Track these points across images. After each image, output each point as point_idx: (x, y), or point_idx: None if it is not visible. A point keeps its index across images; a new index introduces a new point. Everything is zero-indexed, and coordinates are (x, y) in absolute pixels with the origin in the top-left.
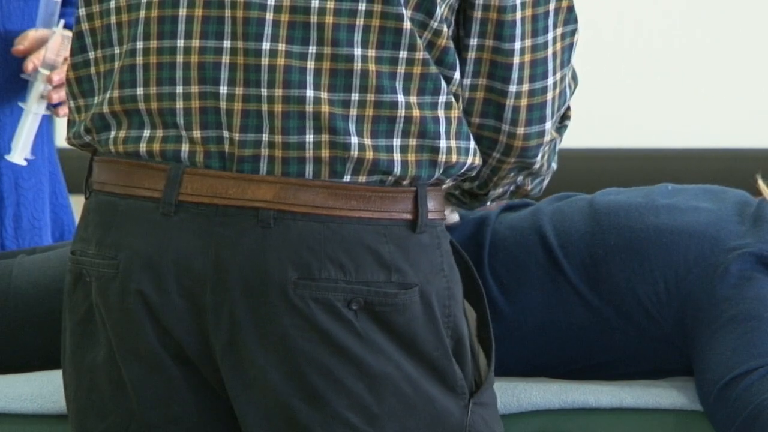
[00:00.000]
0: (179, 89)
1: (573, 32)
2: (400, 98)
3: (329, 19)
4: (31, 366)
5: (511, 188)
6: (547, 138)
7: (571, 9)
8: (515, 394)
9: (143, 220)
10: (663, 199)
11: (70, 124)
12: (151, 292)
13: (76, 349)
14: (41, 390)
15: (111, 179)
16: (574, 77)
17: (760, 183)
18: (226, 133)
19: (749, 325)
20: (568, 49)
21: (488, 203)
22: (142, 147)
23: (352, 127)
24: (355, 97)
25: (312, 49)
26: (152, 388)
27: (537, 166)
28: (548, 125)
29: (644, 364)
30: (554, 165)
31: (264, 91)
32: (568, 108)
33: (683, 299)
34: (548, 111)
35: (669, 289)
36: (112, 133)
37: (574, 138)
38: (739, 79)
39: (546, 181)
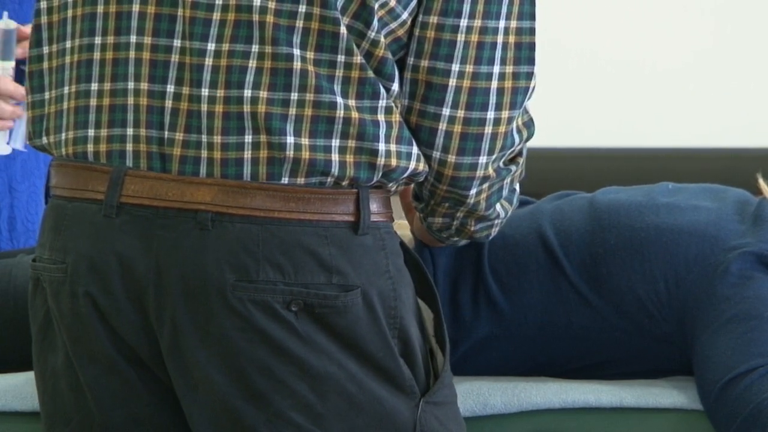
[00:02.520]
0: (129, 85)
1: (528, 75)
2: (339, 100)
3: (270, 19)
4: (31, 364)
5: (454, 224)
6: (480, 173)
7: (522, 47)
8: (515, 394)
9: (87, 223)
10: (663, 198)
11: (28, 121)
12: (99, 294)
13: (38, 354)
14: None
15: (60, 183)
16: (528, 125)
17: (761, 182)
18: (167, 134)
19: (749, 325)
20: (521, 92)
21: (449, 239)
22: (90, 148)
23: (289, 127)
24: (294, 96)
25: (255, 48)
26: (109, 390)
27: (472, 201)
28: (482, 159)
29: (644, 364)
30: (501, 211)
31: (205, 91)
32: (519, 154)
33: (683, 298)
34: (484, 145)
35: (669, 288)
36: (63, 135)
37: (575, 137)
38: (739, 80)
39: (496, 229)
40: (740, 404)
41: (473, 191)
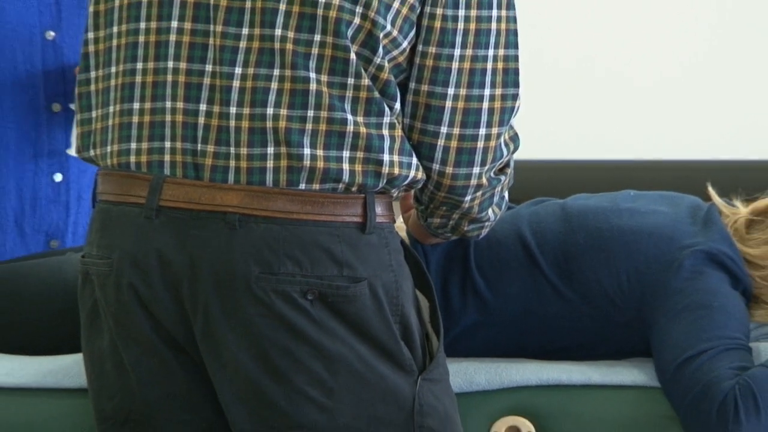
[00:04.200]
0: (167, 104)
1: (513, 96)
2: (349, 117)
3: (289, 46)
4: (79, 347)
5: (450, 223)
6: (474, 182)
7: (508, 72)
8: (498, 373)
9: (130, 224)
10: (625, 203)
11: (77, 136)
12: (141, 286)
13: (87, 339)
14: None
15: (106, 189)
16: (514, 139)
17: (711, 190)
18: (200, 146)
19: (700, 314)
20: (508, 111)
21: (446, 235)
22: (132, 159)
23: (306, 140)
24: (310, 113)
25: (276, 72)
26: (149, 369)
27: (467, 206)
28: (476, 170)
29: (609, 347)
30: (492, 214)
31: (233, 109)
32: (507, 165)
33: (643, 290)
34: (477, 158)
35: (631, 281)
36: (108, 148)
37: (548, 150)
38: (693, 101)
39: (486, 230)
40: (692, 382)
41: (468, 197)
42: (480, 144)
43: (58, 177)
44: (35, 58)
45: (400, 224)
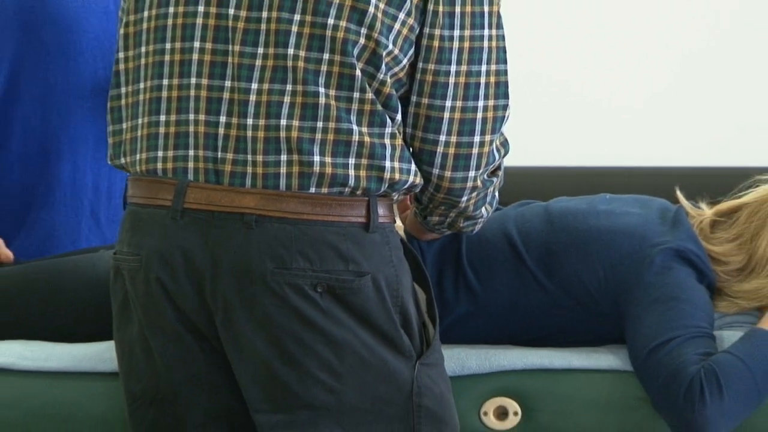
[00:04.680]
0: (190, 116)
1: (504, 107)
2: (355, 127)
3: (301, 64)
4: (110, 335)
5: (447, 220)
6: (470, 184)
7: (499, 84)
8: (487, 358)
9: (157, 224)
10: (602, 205)
11: (109, 146)
12: (167, 280)
13: (118, 327)
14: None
15: (136, 193)
16: (505, 145)
17: (678, 194)
18: (220, 154)
19: (669, 305)
20: (499, 120)
21: (442, 231)
22: (159, 165)
23: (315, 149)
24: (319, 124)
25: (289, 87)
26: (174, 354)
27: (463, 206)
28: (472, 173)
29: (588, 334)
30: (485, 212)
31: (250, 121)
32: (499, 168)
33: (618, 284)
34: (473, 162)
35: (607, 276)
36: (138, 156)
37: (533, 158)
38: (663, 114)
39: (479, 226)
40: (662, 366)
41: (464, 198)
42: (475, 150)
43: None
44: (112, 66)
45: (398, 224)
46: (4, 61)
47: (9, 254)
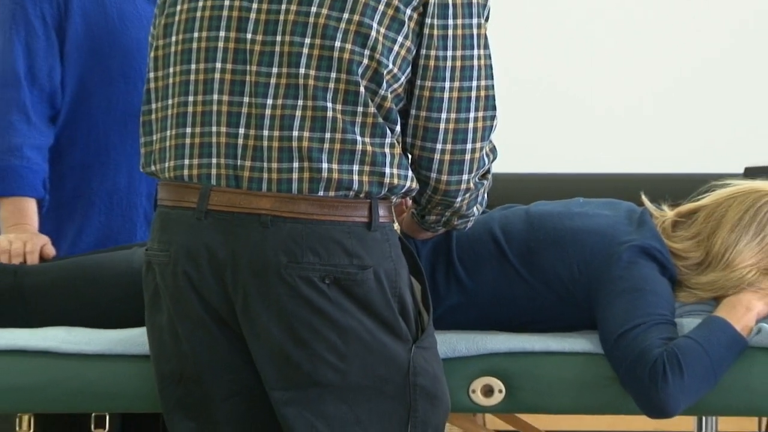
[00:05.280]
0: (213, 128)
1: (492, 117)
2: (358, 138)
3: (311, 82)
4: (143, 322)
5: (443, 219)
6: (463, 186)
7: (488, 98)
8: (475, 342)
9: (184, 224)
10: (576, 208)
11: (141, 155)
12: (193, 272)
13: (149, 315)
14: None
15: (165, 196)
16: (493, 151)
17: (643, 198)
18: (239, 162)
19: (635, 295)
20: (488, 129)
21: (437, 229)
22: (185, 172)
23: (324, 157)
24: (327, 135)
25: (300, 102)
26: (199, 339)
27: (457, 206)
28: (465, 177)
29: (563, 321)
30: (476, 211)
31: (266, 132)
32: (488, 171)
33: (590, 277)
34: (466, 167)
35: (580, 270)
36: (166, 164)
37: (515, 166)
38: (630, 125)
39: (471, 222)
40: (629, 349)
41: (459, 199)
42: (467, 156)
43: None
44: None
45: (396, 226)
46: (72, 81)
47: (52, 251)
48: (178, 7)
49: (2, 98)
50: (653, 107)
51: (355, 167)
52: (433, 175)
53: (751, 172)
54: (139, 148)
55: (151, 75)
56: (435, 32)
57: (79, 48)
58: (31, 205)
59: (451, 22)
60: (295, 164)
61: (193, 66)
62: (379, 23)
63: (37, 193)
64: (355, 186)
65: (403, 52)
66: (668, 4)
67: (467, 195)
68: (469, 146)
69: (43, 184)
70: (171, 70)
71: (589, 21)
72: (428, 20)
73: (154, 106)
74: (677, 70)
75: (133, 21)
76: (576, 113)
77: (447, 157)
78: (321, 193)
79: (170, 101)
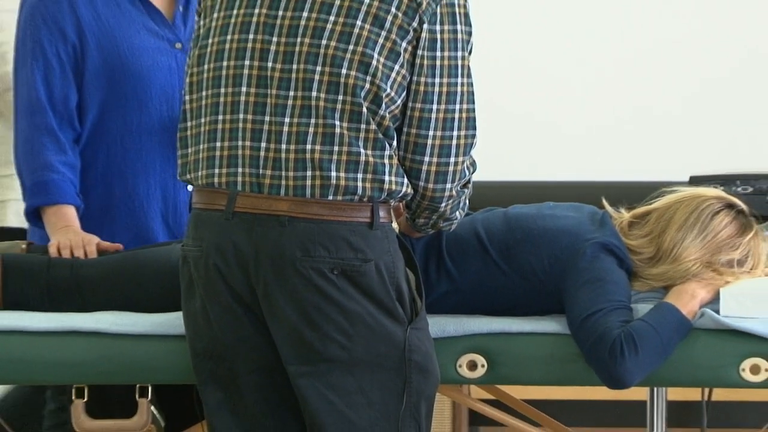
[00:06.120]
0: (239, 143)
1: (472, 136)
2: (362, 150)
3: (321, 104)
4: (179, 308)
5: (430, 222)
6: (447, 194)
7: (469, 119)
8: (461, 324)
9: (214, 224)
10: (547, 211)
11: (178, 165)
12: (222, 265)
13: (185, 301)
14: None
15: (198, 200)
16: (473, 164)
17: (604, 202)
18: (261, 171)
19: (597, 285)
20: (469, 146)
21: (426, 231)
22: (215, 180)
23: (333, 167)
24: (336, 148)
25: (312, 120)
26: (227, 321)
27: (442, 210)
28: (449, 186)
29: (536, 307)
30: (459, 215)
31: (284, 146)
32: (468, 181)
33: (559, 269)
34: (449, 178)
35: (551, 263)
36: (200, 173)
37: (496, 173)
38: (592, 138)
39: (454, 225)
40: (592, 331)
41: (443, 205)
42: (450, 168)
43: (190, 187)
44: (174, 108)
45: (395, 225)
46: (94, 105)
47: (105, 245)
48: (210, 41)
49: (32, 124)
50: (613, 127)
51: (359, 175)
52: (422, 183)
53: (695, 180)
54: (153, 160)
55: (187, 98)
56: (425, 62)
57: (98, 77)
58: (72, 211)
59: (438, 54)
60: (309, 173)
61: (223, 90)
62: (379, 54)
63: (75, 201)
64: (359, 191)
65: (399, 78)
66: (614, 24)
67: (450, 201)
68: (452, 159)
69: (77, 194)
70: (203, 93)
71: (548, 44)
72: (420, 52)
73: (189, 123)
74: (632, 97)
75: (141, 51)
76: (547, 133)
77: (433, 168)
78: (330, 198)
79: (203, 119)
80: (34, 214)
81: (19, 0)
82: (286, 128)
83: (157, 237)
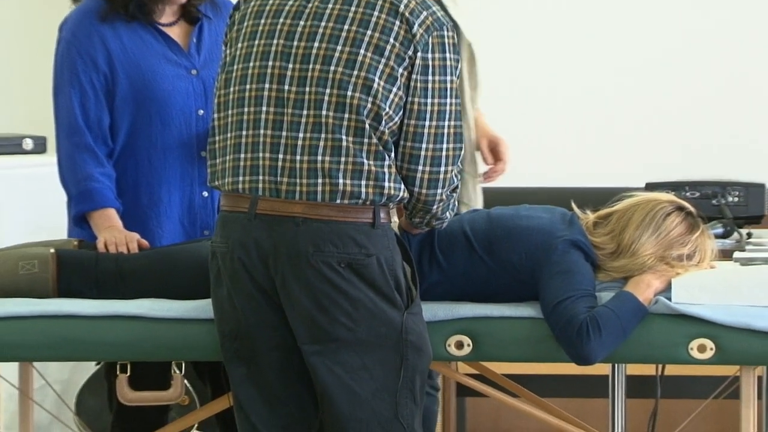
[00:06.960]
0: (260, 154)
1: (459, 148)
2: (365, 161)
3: (330, 120)
4: (209, 296)
5: (424, 221)
6: (438, 198)
7: (456, 134)
8: (450, 309)
9: (239, 224)
10: (524, 212)
11: (208, 174)
12: (245, 259)
13: (213, 290)
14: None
15: (225, 204)
16: (460, 173)
17: (573, 205)
18: (279, 178)
19: (566, 276)
20: (456, 157)
21: (422, 227)
22: (240, 185)
23: (340, 175)
24: (342, 159)
25: (323, 135)
26: (250, 308)
27: (434, 211)
28: (439, 191)
29: (515, 295)
30: (449, 215)
31: (298, 157)
32: (456, 187)
33: (534, 262)
34: (440, 184)
35: (528, 257)
36: (226, 179)
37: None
38: (564, 148)
39: (445, 223)
40: (562, 315)
41: (435, 207)
42: (441, 176)
43: (205, 194)
44: (191, 126)
45: (395, 221)
46: (124, 125)
47: (145, 242)
48: (235, 66)
49: (72, 143)
50: (579, 140)
51: (363, 182)
52: (416, 189)
53: (651, 186)
54: (174, 171)
55: (215, 115)
56: (419, 85)
57: (126, 101)
58: (114, 213)
59: (430, 78)
60: (320, 180)
61: (246, 109)
62: (380, 78)
63: (116, 205)
64: (363, 196)
65: (396, 99)
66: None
67: (441, 204)
68: (443, 168)
69: (117, 198)
70: (230, 111)
71: (517, 60)
72: (414, 76)
73: (217, 137)
74: (595, 116)
75: (163, 76)
76: (524, 146)
77: (426, 176)
78: (338, 201)
79: (229, 134)
80: (80, 218)
81: (56, 36)
82: (300, 142)
83: (175, 236)
